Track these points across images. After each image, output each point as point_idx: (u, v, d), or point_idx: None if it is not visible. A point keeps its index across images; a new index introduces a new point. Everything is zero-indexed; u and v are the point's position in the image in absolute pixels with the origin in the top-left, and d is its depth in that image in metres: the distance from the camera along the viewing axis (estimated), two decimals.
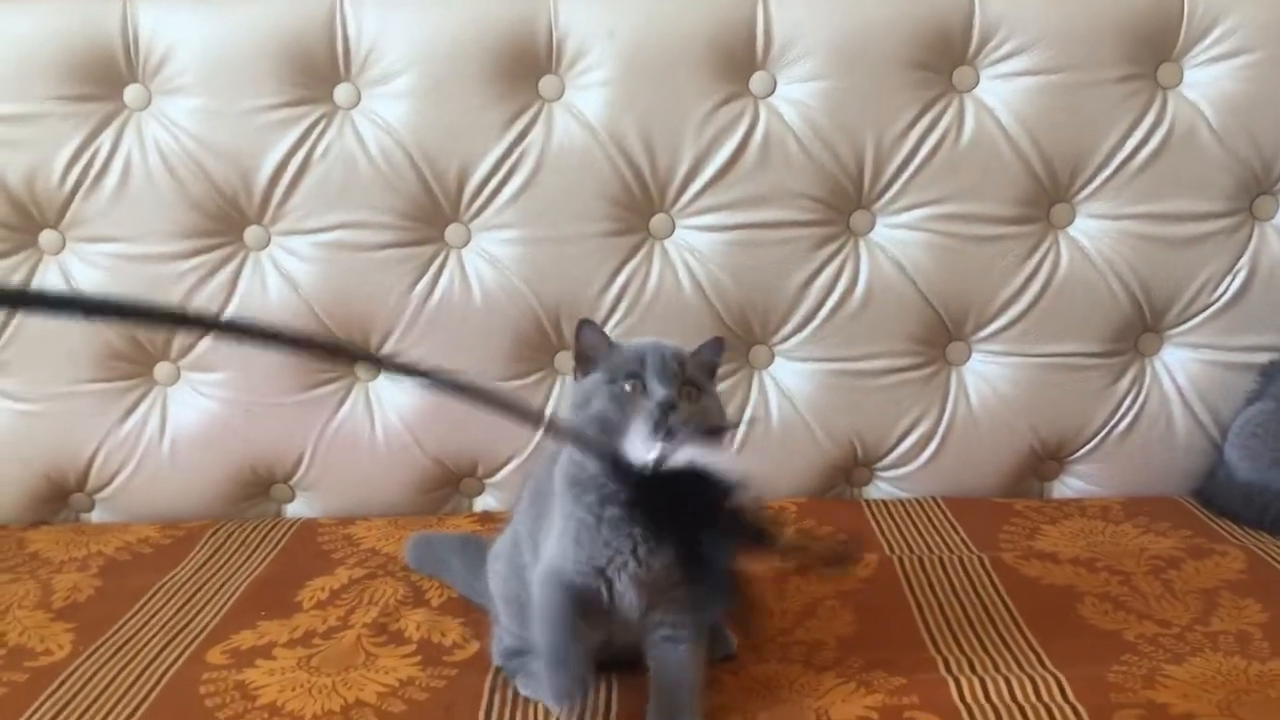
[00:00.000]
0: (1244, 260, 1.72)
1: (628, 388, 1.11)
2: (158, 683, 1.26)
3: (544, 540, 1.17)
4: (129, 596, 1.48)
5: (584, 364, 1.17)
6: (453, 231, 1.73)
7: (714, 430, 1.11)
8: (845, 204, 1.73)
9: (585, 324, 1.17)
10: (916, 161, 1.70)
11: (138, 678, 1.27)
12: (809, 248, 1.73)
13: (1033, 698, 1.18)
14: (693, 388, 1.12)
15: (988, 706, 1.17)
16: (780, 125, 1.69)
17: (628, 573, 1.12)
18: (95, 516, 1.81)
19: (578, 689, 1.12)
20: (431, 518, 1.77)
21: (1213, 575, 1.48)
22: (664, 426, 1.07)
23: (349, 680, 1.26)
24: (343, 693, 1.23)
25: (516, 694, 1.22)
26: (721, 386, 1.71)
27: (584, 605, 1.13)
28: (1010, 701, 1.18)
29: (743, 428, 1.76)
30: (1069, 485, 1.83)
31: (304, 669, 1.29)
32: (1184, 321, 1.76)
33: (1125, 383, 1.77)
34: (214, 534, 1.70)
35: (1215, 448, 1.76)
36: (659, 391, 1.09)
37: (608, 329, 1.73)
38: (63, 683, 1.27)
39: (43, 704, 1.22)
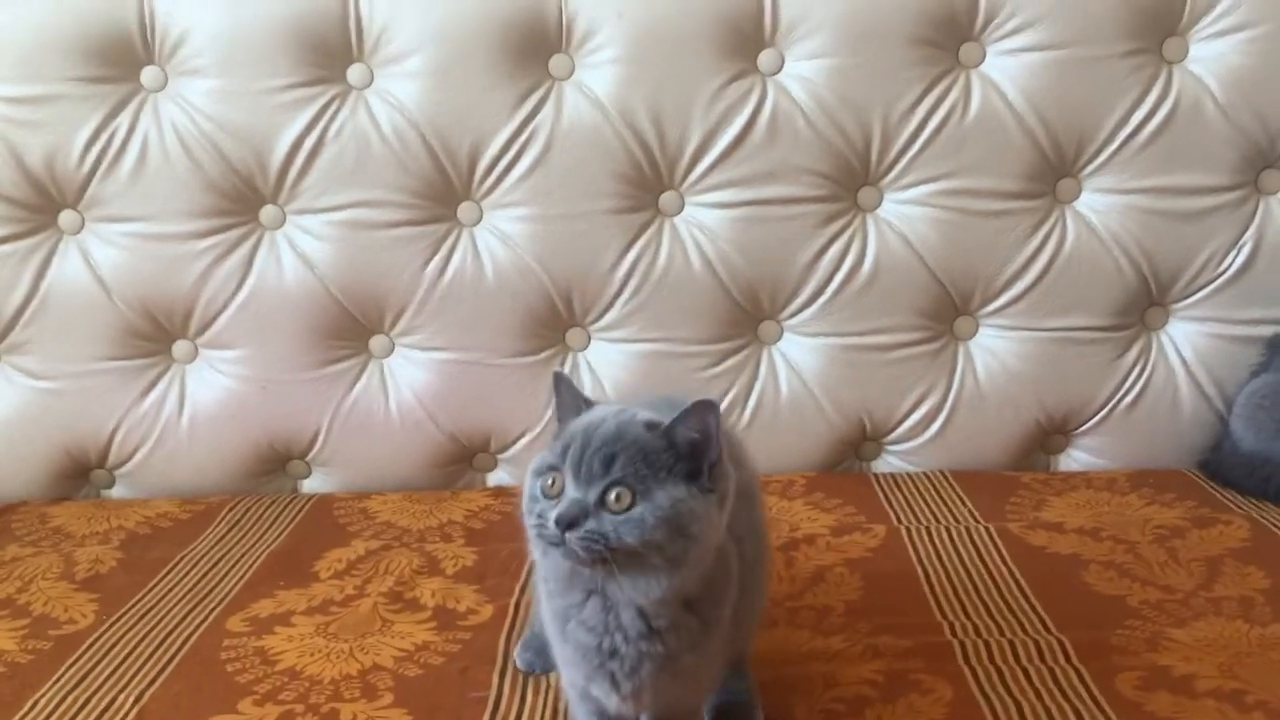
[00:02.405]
0: (1249, 234, 1.73)
1: (548, 482, 0.90)
2: (180, 649, 1.30)
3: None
4: (150, 568, 1.52)
5: (560, 423, 0.96)
6: (465, 209, 1.75)
7: (643, 551, 0.87)
8: (852, 180, 1.74)
9: (559, 378, 0.95)
10: (923, 138, 1.71)
11: (160, 644, 1.31)
12: (817, 224, 1.74)
13: (1036, 660, 1.21)
14: (623, 490, 0.87)
15: (991, 669, 1.19)
16: (788, 102, 1.71)
17: (614, 691, 0.95)
18: (116, 492, 1.84)
19: None
20: (445, 493, 1.79)
21: (1217, 544, 1.49)
22: (562, 549, 0.87)
23: (366, 646, 1.29)
24: (360, 658, 1.26)
25: None
26: (730, 362, 1.77)
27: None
28: (1014, 664, 1.20)
29: (751, 401, 1.79)
30: (1075, 459, 1.84)
31: (322, 635, 1.32)
32: (1189, 295, 1.77)
33: (1131, 356, 1.78)
34: (232, 509, 1.73)
35: (1220, 420, 1.77)
36: (566, 499, 0.88)
37: (617, 306, 1.76)
38: (86, 649, 1.30)
39: (66, 670, 1.26)
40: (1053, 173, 1.73)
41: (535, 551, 0.93)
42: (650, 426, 0.90)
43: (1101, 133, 1.71)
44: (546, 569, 0.94)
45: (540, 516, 0.89)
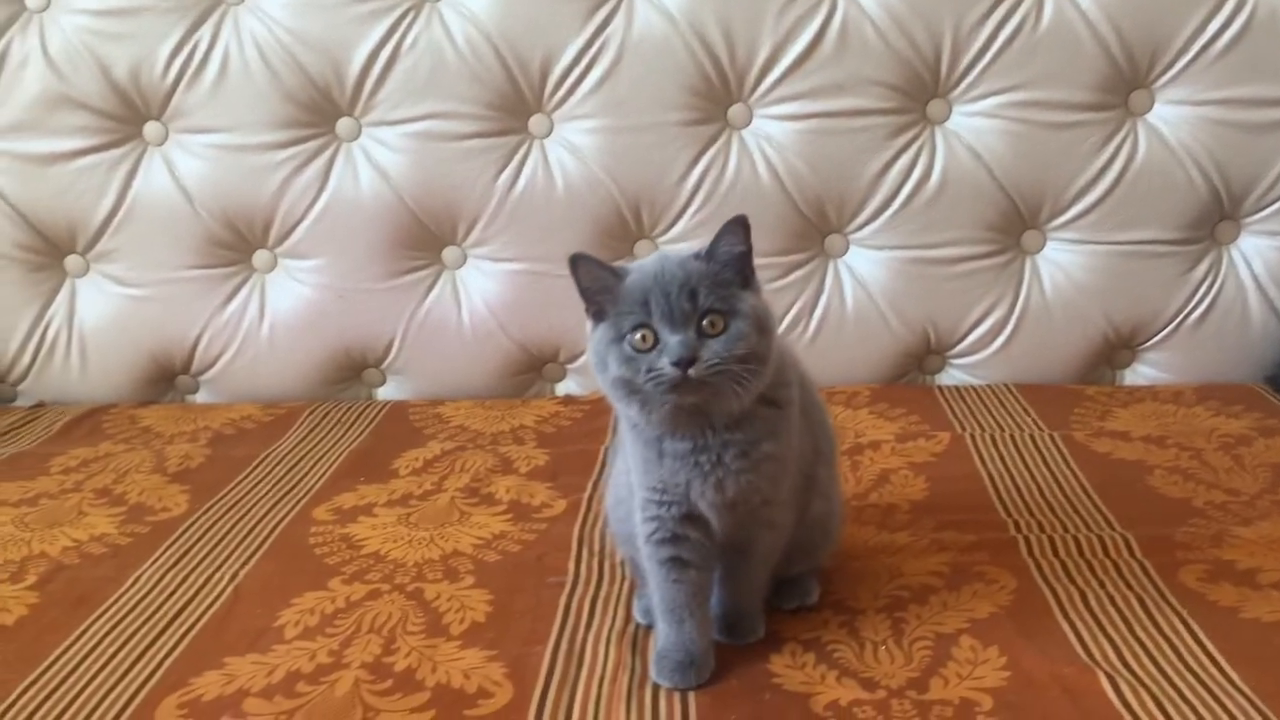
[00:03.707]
0: None
1: (639, 339, 0.96)
2: (270, 535, 1.36)
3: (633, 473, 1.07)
4: (237, 464, 1.59)
5: (591, 304, 1.00)
6: (536, 122, 1.78)
7: (747, 359, 0.96)
8: (922, 92, 1.74)
9: (579, 259, 0.99)
10: (994, 48, 1.71)
11: (250, 530, 1.38)
12: (885, 136, 1.75)
13: (1100, 554, 1.23)
14: (715, 315, 0.96)
15: (1055, 561, 1.22)
16: (858, 12, 1.71)
17: (705, 500, 1.02)
18: (199, 398, 1.91)
19: (694, 669, 1.03)
20: (516, 400, 1.84)
21: None
22: (685, 385, 0.95)
23: (446, 534, 1.34)
24: (441, 544, 1.32)
25: (604, 545, 1.29)
26: (796, 275, 1.79)
27: (690, 552, 1.04)
28: (1078, 557, 1.23)
29: (817, 314, 1.81)
30: (1141, 374, 1.84)
31: (404, 524, 1.38)
32: (1261, 209, 1.75)
33: (1201, 270, 1.78)
34: (311, 413, 1.79)
35: None
36: (671, 343, 0.95)
37: (685, 218, 1.78)
38: (181, 534, 1.37)
39: (164, 551, 1.33)
40: (1125, 84, 1.72)
41: (630, 409, 0.98)
42: (699, 257, 0.98)
43: (1176, 43, 1.69)
44: (646, 418, 0.99)
45: (651, 369, 0.95)
